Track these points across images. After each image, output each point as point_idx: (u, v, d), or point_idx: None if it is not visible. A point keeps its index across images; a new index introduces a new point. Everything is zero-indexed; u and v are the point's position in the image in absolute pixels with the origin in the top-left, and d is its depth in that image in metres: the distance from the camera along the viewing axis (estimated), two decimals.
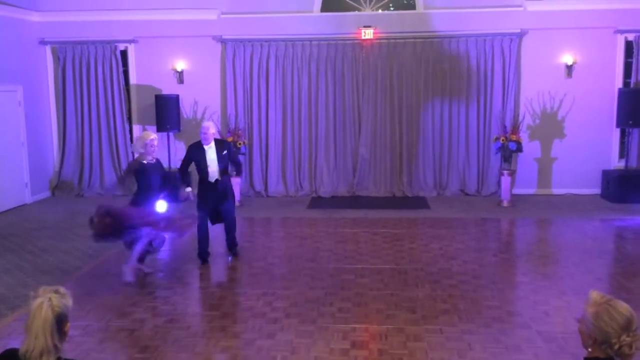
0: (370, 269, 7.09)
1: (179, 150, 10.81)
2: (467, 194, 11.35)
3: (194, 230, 7.17)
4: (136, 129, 11.77)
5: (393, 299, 6.12)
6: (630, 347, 2.36)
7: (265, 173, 11.65)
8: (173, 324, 5.62)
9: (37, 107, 11.55)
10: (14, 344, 2.87)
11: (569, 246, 8.02)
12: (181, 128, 11.29)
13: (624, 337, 2.36)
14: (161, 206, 6.76)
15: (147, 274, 6.94)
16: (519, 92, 11.16)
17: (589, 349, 2.47)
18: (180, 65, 11.49)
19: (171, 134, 11.29)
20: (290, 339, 5.19)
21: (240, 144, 10.74)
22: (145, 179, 6.67)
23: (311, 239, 8.53)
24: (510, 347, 4.99)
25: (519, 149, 10.41)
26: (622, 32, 10.83)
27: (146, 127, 11.66)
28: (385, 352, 4.91)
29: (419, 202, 10.84)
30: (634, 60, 10.86)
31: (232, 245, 7.56)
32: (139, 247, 6.56)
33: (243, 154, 11.00)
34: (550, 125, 11.17)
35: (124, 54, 11.64)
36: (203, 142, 7.17)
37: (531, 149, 11.15)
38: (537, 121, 11.18)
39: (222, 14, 11.32)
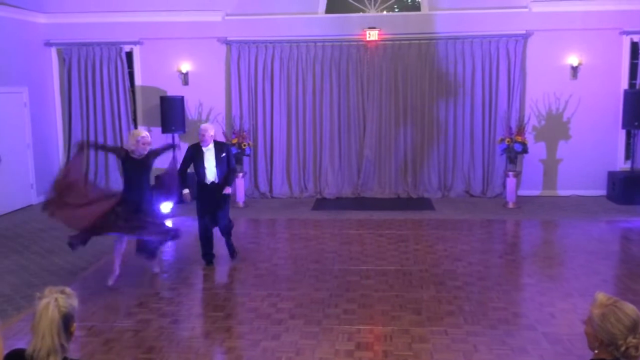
0: (375, 270, 7.09)
1: (184, 152, 10.80)
2: (472, 196, 11.33)
3: (194, 235, 7.16)
4: (141, 130, 11.79)
5: (398, 300, 6.11)
6: (637, 348, 2.35)
7: (270, 174, 11.66)
8: (178, 324, 5.64)
9: (43, 109, 11.60)
10: (20, 344, 2.88)
11: (575, 248, 7.99)
12: (186, 129, 11.30)
13: (630, 338, 2.35)
14: (166, 207, 6.77)
15: (155, 274, 6.97)
16: (524, 93, 11.13)
17: (595, 351, 2.46)
18: (185, 66, 11.51)
19: (176, 135, 11.31)
20: (295, 340, 5.19)
21: (245, 145, 10.75)
22: (126, 171, 6.65)
23: (316, 240, 8.53)
24: (516, 348, 4.98)
25: (525, 150, 10.39)
26: (628, 33, 10.79)
27: (151, 128, 11.70)
28: (390, 354, 4.91)
29: (424, 204, 10.83)
30: None
31: (229, 249, 7.54)
32: (150, 244, 6.61)
33: (248, 155, 11.02)
34: (556, 127, 11.14)
35: (129, 55, 11.67)
36: (201, 144, 7.16)
37: (537, 150, 11.12)
38: (543, 122, 11.15)
39: (227, 15, 11.34)
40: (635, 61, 10.91)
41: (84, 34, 11.49)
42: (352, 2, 11.49)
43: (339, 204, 10.96)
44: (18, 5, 10.75)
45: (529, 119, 10.98)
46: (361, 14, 11.42)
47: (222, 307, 6.07)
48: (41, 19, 11.44)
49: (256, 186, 11.66)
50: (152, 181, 7.52)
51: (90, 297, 6.22)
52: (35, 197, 11.13)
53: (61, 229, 9.20)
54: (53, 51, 11.76)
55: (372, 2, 11.49)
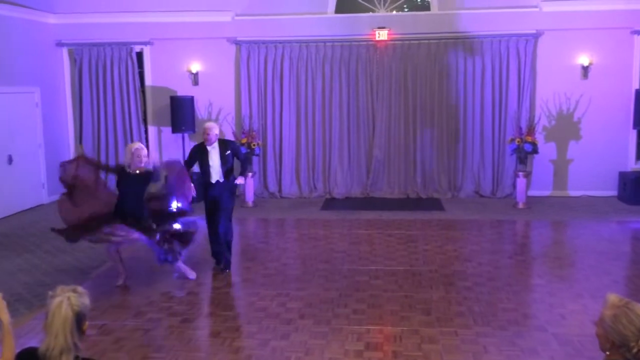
0: (384, 270, 7.08)
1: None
2: (481, 196, 11.29)
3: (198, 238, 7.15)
4: (151, 130, 11.87)
5: (407, 300, 6.11)
6: None
7: (279, 174, 11.68)
8: (187, 323, 5.66)
9: (54, 109, 11.68)
10: (32, 342, 2.91)
11: (585, 248, 7.95)
12: (196, 129, 11.34)
13: None
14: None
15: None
16: (534, 93, 11.09)
17: (607, 352, 2.45)
18: (195, 66, 11.55)
19: (186, 135, 11.36)
20: (304, 340, 5.19)
21: (254, 145, 10.77)
22: (120, 187, 6.57)
23: (325, 240, 8.53)
24: (526, 350, 4.95)
25: (535, 150, 10.34)
26: (639, 32, 10.72)
27: (161, 128, 11.77)
28: (400, 354, 4.90)
29: (433, 204, 10.80)
30: None
31: (225, 260, 7.24)
32: (155, 248, 6.58)
33: (257, 155, 11.04)
34: (566, 127, 11.08)
35: (139, 55, 11.73)
36: (206, 142, 7.16)
37: (547, 150, 11.07)
38: (553, 122, 11.09)
39: (237, 15, 11.37)
40: None
41: (94, 34, 11.56)
42: (361, 2, 11.48)
43: (348, 203, 10.96)
44: (29, 6, 10.83)
45: (539, 119, 10.92)
46: (371, 13, 11.41)
47: (231, 306, 6.09)
48: (52, 19, 11.53)
49: (265, 186, 11.68)
50: (159, 187, 7.48)
51: (101, 296, 6.26)
52: (46, 197, 11.21)
53: None
54: (64, 51, 11.84)
55: (382, 2, 11.48)
